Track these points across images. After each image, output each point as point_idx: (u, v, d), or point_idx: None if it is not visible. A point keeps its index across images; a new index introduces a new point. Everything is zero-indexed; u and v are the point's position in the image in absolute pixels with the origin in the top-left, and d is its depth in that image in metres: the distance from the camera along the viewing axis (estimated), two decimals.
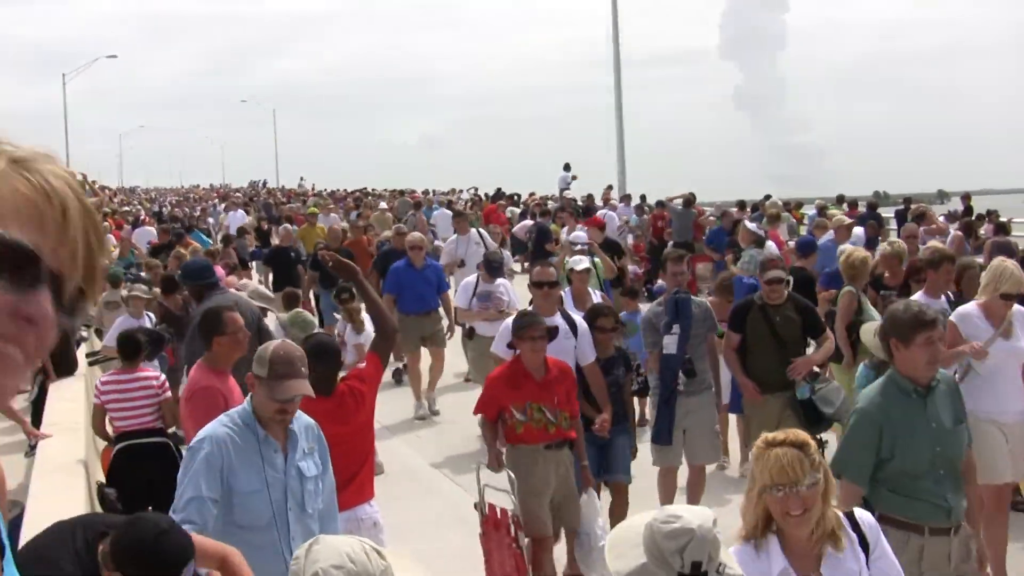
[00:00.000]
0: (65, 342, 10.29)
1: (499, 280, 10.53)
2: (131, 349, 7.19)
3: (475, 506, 6.08)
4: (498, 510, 5.93)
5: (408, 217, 22.80)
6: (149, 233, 21.30)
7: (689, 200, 21.65)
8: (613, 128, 34.81)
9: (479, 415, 6.62)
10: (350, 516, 5.04)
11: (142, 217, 27.49)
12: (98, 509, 7.06)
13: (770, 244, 13.68)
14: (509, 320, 6.82)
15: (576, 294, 8.39)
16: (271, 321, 8.78)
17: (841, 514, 3.30)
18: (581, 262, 8.92)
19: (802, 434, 3.21)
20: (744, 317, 7.42)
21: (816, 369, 7.47)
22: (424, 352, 11.69)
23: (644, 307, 9.47)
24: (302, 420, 4.29)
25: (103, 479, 7.24)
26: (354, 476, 5.13)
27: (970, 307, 6.37)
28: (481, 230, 15.11)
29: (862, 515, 3.40)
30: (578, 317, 7.11)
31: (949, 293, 7.70)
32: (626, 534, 2.79)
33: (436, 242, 18.71)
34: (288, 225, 17.67)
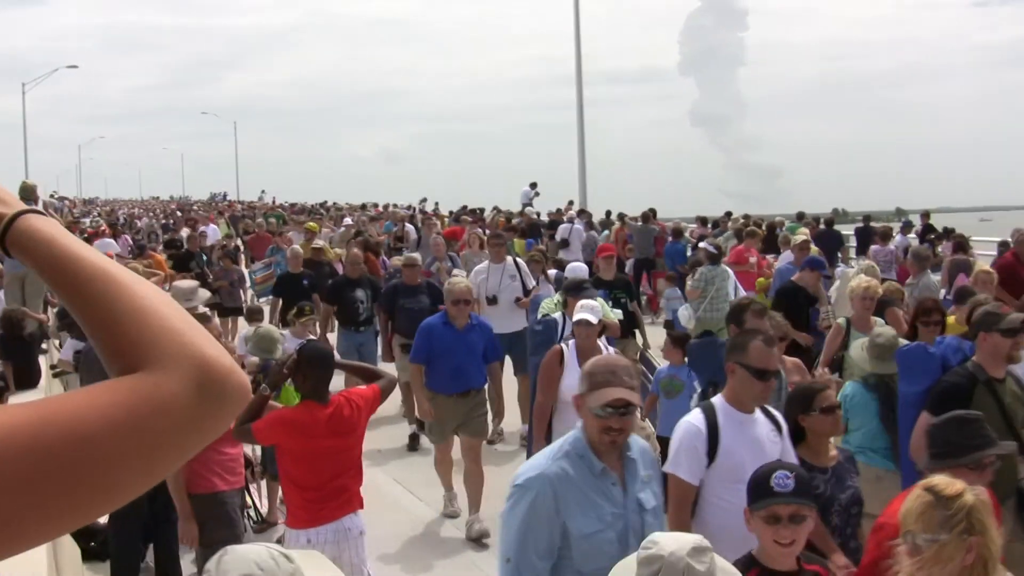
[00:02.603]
0: (29, 353, 10.18)
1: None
2: None
3: None
4: None
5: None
6: (109, 244, 21.12)
7: (647, 216, 21.80)
8: (574, 144, 34.99)
9: None
10: (337, 527, 5.12)
11: (102, 228, 27.22)
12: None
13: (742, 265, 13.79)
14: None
15: (582, 351, 6.53)
16: (239, 336, 8.74)
17: None
18: (590, 312, 6.74)
19: (959, 485, 2.78)
20: (968, 396, 5.24)
21: None
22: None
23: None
24: (638, 444, 3.78)
25: None
26: (345, 487, 5.19)
27: None
28: (519, 259, 11.54)
29: None
30: (775, 411, 4.61)
31: None
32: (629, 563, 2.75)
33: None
34: (297, 247, 14.91)
